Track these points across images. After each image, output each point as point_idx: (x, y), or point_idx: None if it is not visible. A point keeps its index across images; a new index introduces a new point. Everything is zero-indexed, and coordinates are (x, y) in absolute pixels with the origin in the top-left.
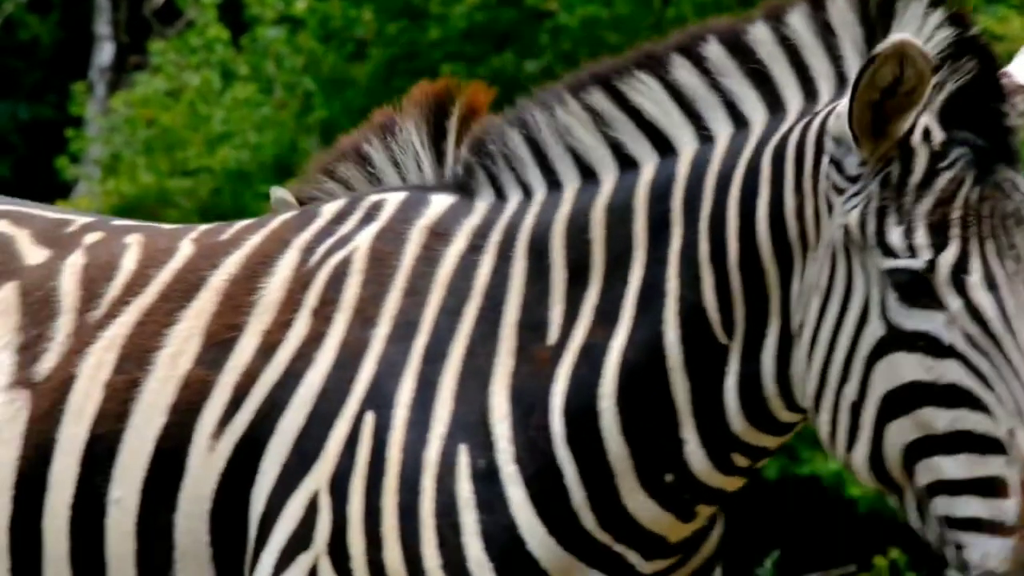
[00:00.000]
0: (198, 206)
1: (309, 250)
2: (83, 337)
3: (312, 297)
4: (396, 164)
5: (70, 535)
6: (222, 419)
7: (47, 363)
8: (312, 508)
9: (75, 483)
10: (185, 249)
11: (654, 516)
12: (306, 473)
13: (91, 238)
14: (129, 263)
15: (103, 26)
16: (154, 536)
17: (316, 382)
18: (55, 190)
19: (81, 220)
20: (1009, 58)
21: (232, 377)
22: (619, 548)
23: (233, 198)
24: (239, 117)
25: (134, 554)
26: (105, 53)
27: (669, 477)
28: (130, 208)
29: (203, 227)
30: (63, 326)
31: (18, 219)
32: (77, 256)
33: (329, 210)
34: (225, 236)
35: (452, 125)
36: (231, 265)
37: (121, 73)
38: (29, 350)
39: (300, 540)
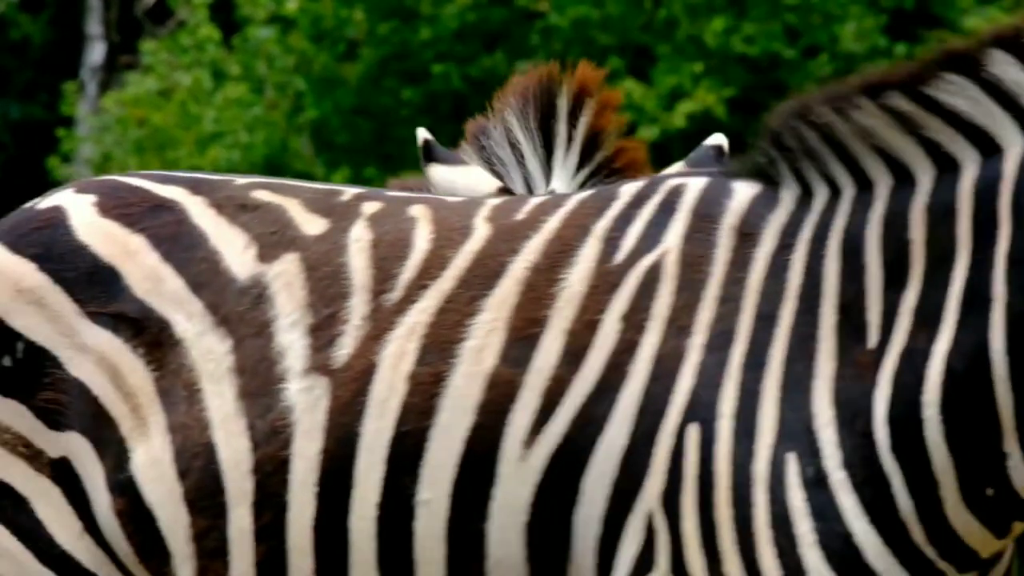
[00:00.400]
0: None
1: (611, 241)
2: (380, 322)
3: (621, 302)
4: (491, 163)
5: (377, 537)
6: (533, 426)
7: (344, 348)
8: (650, 528)
9: (381, 482)
10: (481, 230)
11: (972, 530)
12: (638, 493)
13: (370, 208)
14: (422, 242)
15: (94, 25)
16: (465, 543)
17: (634, 397)
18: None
19: (350, 190)
20: None
21: (539, 380)
22: (942, 565)
23: None
24: (230, 117)
25: (444, 560)
26: (96, 52)
27: (990, 491)
28: None
29: (492, 203)
30: (357, 307)
31: (279, 189)
32: (361, 229)
33: (627, 192)
34: (520, 216)
35: (562, 106)
36: (531, 252)
37: (112, 73)
38: (322, 332)
39: (644, 563)
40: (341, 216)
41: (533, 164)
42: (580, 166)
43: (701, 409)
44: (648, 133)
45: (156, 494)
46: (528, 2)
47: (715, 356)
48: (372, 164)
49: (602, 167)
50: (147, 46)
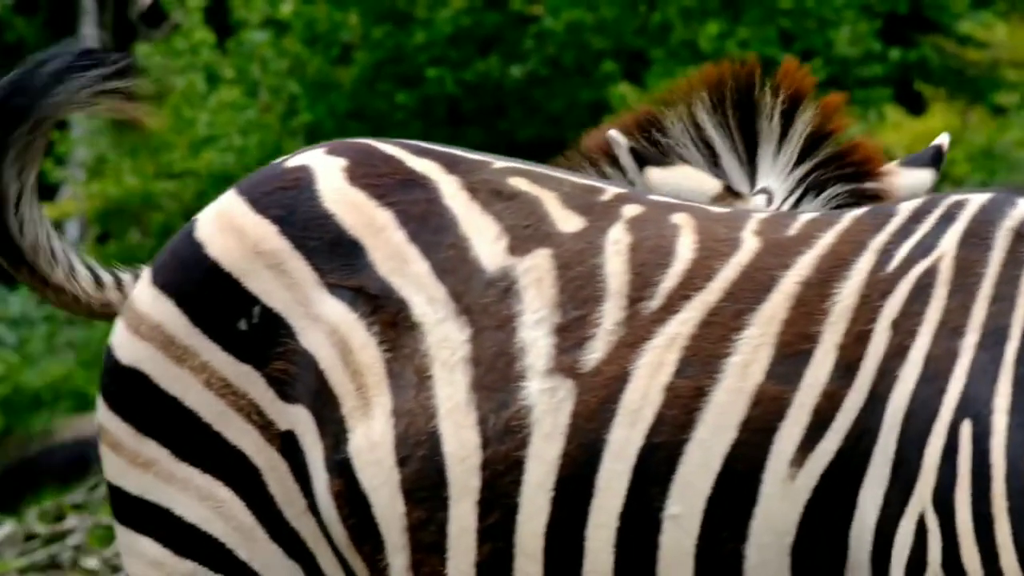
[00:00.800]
0: (182, 209)
1: (886, 253)
2: (637, 330)
3: (892, 308)
4: (665, 154)
5: (616, 547)
6: (802, 444)
7: (594, 352)
8: (921, 531)
9: (626, 492)
10: (750, 243)
11: None
12: (909, 497)
13: (630, 211)
14: (685, 251)
15: (89, 28)
16: (717, 563)
17: (903, 401)
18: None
19: (611, 188)
20: (994, 66)
21: (810, 397)
22: None
23: None
24: (224, 120)
25: None
26: None
27: None
28: (114, 211)
29: (759, 217)
30: (610, 312)
31: (538, 179)
32: (620, 231)
33: (906, 208)
34: (792, 232)
35: (767, 103)
36: (803, 267)
37: None
38: (570, 333)
39: (917, 567)
40: (600, 216)
41: (730, 163)
42: (798, 163)
43: (974, 405)
44: None
45: (372, 479)
46: (522, 6)
47: (988, 353)
48: None
49: (829, 162)
50: (141, 49)
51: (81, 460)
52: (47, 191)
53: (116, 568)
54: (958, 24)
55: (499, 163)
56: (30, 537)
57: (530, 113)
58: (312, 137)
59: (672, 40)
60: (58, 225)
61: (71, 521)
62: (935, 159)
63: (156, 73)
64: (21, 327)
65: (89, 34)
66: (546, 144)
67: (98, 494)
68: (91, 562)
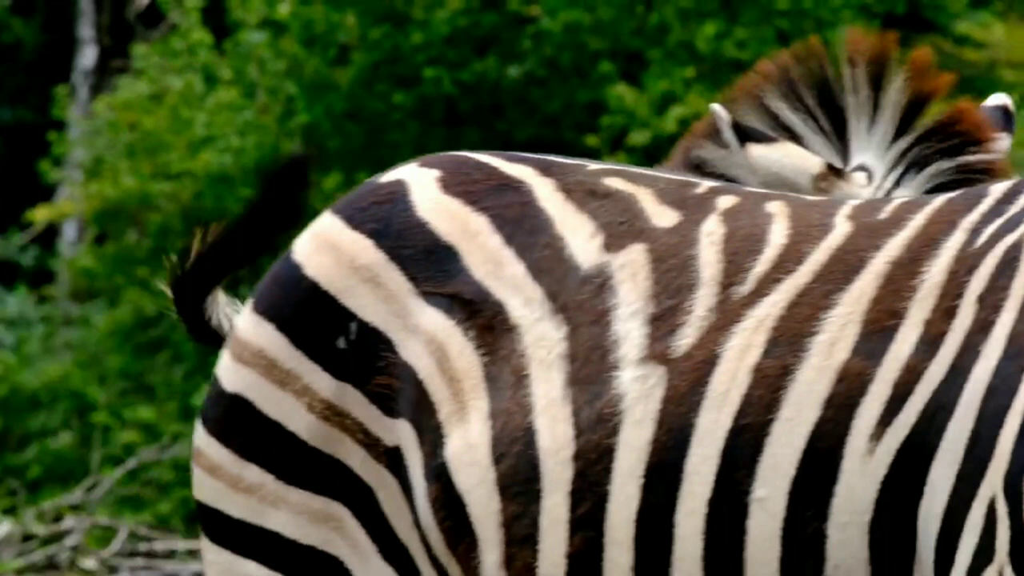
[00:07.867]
0: (180, 210)
1: (976, 231)
2: (727, 314)
3: (978, 283)
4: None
5: (705, 534)
6: (881, 419)
7: (685, 339)
8: (991, 516)
9: (714, 476)
10: (842, 227)
11: None
12: (981, 479)
13: (725, 202)
14: (777, 237)
15: (86, 29)
16: (802, 545)
17: (984, 377)
18: (37, 193)
19: (705, 183)
20: (992, 66)
21: (891, 371)
22: None
23: (215, 202)
24: (221, 121)
25: (777, 562)
26: (88, 56)
27: None
28: (112, 212)
29: (853, 203)
30: (702, 299)
31: (632, 177)
32: (714, 223)
33: (998, 189)
34: (885, 215)
35: (848, 75)
36: (894, 247)
37: (104, 76)
38: (663, 322)
39: (984, 554)
40: (694, 209)
41: (817, 143)
42: (898, 135)
43: None
44: (640, 138)
45: (468, 480)
46: (520, 7)
47: None
48: (364, 169)
49: (931, 135)
50: (139, 50)
51: None
52: (44, 192)
53: (113, 569)
54: (955, 24)
55: (593, 165)
56: (28, 538)
57: (527, 113)
58: (310, 138)
59: (669, 41)
60: (56, 226)
61: (69, 522)
62: (1007, 122)
63: (153, 74)
64: (18, 327)
65: (86, 35)
66: (544, 144)
67: (95, 495)
68: (89, 563)
